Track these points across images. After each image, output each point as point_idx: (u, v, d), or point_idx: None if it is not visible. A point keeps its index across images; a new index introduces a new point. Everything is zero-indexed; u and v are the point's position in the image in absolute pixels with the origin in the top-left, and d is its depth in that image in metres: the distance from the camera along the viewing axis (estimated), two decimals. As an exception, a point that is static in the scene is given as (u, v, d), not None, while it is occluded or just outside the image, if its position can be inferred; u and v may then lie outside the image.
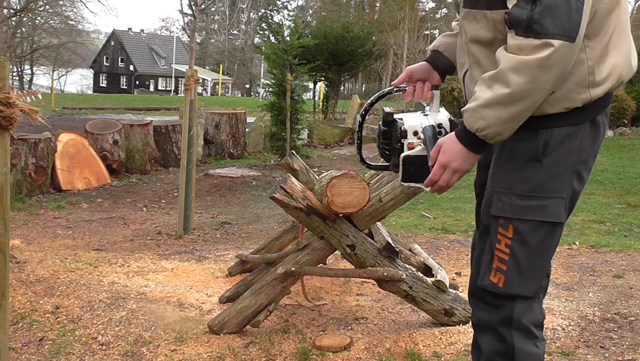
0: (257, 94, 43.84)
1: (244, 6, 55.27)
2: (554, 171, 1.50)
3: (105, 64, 56.02)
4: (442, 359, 2.41)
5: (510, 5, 1.40)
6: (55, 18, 37.66)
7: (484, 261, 1.61)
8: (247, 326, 2.68)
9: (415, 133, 1.63)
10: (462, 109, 1.50)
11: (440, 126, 1.64)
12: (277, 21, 45.33)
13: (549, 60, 1.36)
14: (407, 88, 1.80)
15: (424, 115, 1.69)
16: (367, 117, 1.79)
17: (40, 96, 20.67)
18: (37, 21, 36.76)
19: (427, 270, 2.98)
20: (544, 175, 1.51)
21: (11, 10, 31.86)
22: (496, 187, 1.57)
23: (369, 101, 1.81)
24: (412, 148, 1.62)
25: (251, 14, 55.62)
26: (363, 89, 30.90)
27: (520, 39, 1.38)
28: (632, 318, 2.80)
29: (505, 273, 1.54)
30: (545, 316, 1.66)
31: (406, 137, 1.64)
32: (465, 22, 1.59)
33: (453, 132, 1.54)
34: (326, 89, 18.15)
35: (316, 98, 18.61)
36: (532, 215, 1.51)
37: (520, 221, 1.52)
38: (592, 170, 1.62)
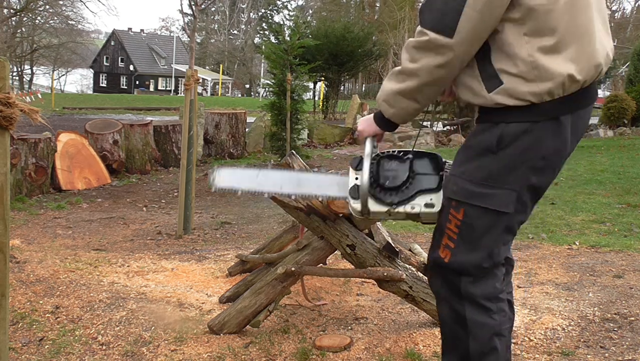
0: (257, 94, 43.84)
1: (244, 6, 55.26)
2: (507, 164, 1.61)
3: (105, 64, 56.02)
4: (442, 359, 2.41)
5: None
6: (55, 18, 37.68)
7: (436, 237, 1.76)
8: (247, 326, 2.68)
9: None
10: None
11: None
12: (277, 21, 45.31)
13: (424, 46, 1.57)
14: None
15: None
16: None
17: (40, 95, 20.66)
18: (37, 21, 36.77)
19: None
20: (497, 166, 1.62)
21: (11, 10, 31.87)
22: (454, 171, 1.71)
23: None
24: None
25: (251, 14, 55.63)
26: (363, 89, 30.89)
27: (417, 28, 1.61)
28: (632, 318, 2.80)
29: (452, 249, 1.70)
30: (503, 290, 1.76)
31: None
32: None
33: None
34: (326, 89, 18.15)
35: (316, 98, 18.62)
36: (480, 202, 1.64)
37: (470, 205, 1.65)
38: (560, 170, 1.71)
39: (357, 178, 1.88)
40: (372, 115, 1.81)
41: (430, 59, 1.58)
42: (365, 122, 1.83)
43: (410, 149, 1.87)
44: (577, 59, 1.56)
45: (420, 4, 1.61)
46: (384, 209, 1.84)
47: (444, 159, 1.87)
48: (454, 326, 1.72)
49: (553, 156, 1.62)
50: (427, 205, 1.82)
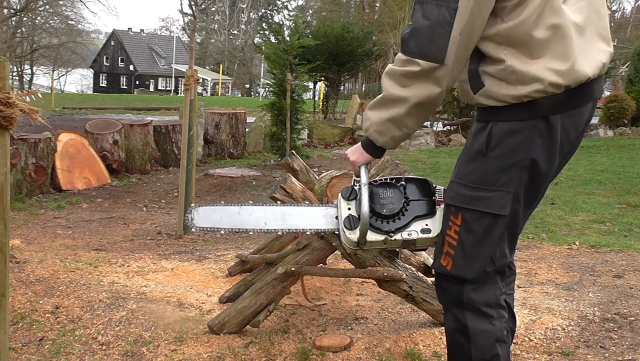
0: (257, 94, 43.82)
1: (244, 6, 55.26)
2: (498, 165, 1.60)
3: (105, 64, 56.03)
4: (442, 359, 2.41)
5: None
6: (55, 18, 37.68)
7: (437, 245, 1.75)
8: (247, 326, 2.68)
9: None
10: None
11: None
12: (277, 21, 45.32)
13: (418, 75, 1.56)
14: None
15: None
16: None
17: (40, 95, 20.68)
18: (37, 21, 36.76)
19: (427, 270, 2.98)
20: (489, 168, 1.61)
21: (11, 10, 31.87)
22: (453, 177, 1.71)
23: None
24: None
25: (251, 14, 55.63)
26: (363, 89, 30.89)
27: (400, 53, 1.60)
28: (632, 318, 2.80)
29: (453, 257, 1.69)
30: (503, 296, 1.75)
31: None
32: None
33: None
34: (326, 89, 18.15)
35: (316, 98, 18.61)
36: (476, 205, 1.63)
37: (467, 210, 1.64)
38: (560, 169, 1.70)
39: (349, 208, 1.87)
40: (359, 144, 1.80)
41: (421, 86, 1.58)
42: (356, 152, 1.80)
43: (401, 176, 1.89)
44: (557, 61, 1.54)
45: (404, 33, 1.59)
46: (381, 238, 1.83)
47: (434, 184, 1.88)
48: (456, 336, 1.73)
49: (545, 155, 1.60)
50: (423, 230, 1.83)
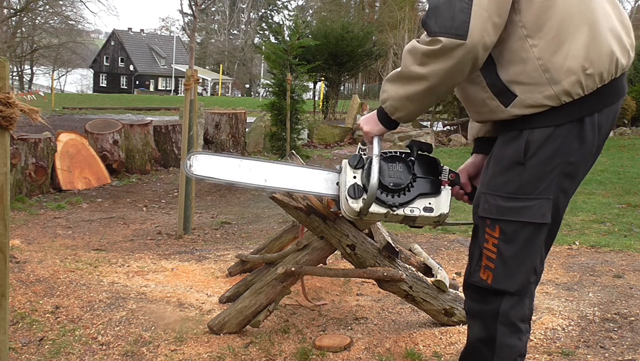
0: (257, 94, 43.81)
1: (244, 6, 55.26)
2: (537, 173, 1.56)
3: (105, 64, 56.01)
4: (442, 359, 2.41)
5: None
6: (55, 18, 37.67)
7: (474, 258, 1.69)
8: (247, 326, 2.68)
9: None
10: None
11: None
12: (277, 21, 45.34)
13: (438, 53, 1.51)
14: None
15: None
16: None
17: (42, 94, 20.64)
18: (37, 21, 36.75)
19: (427, 270, 2.98)
20: (528, 177, 1.57)
21: (11, 10, 31.86)
22: (483, 189, 1.65)
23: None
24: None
25: (251, 14, 55.62)
26: (363, 89, 30.89)
27: (423, 35, 1.56)
28: (632, 318, 2.80)
29: (493, 270, 1.63)
30: (533, 309, 1.73)
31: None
32: None
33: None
34: (326, 89, 18.15)
35: (316, 98, 18.61)
36: (516, 216, 1.59)
37: (505, 221, 1.60)
38: (589, 170, 1.66)
39: (355, 177, 1.83)
40: (374, 114, 1.75)
41: (441, 63, 1.52)
42: (371, 122, 1.75)
43: (412, 151, 1.83)
44: (583, 50, 1.51)
45: (423, 16, 1.55)
46: (383, 210, 1.80)
47: (442, 164, 1.85)
48: (480, 346, 1.70)
49: (580, 158, 1.57)
50: (426, 209, 1.79)
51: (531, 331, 2.63)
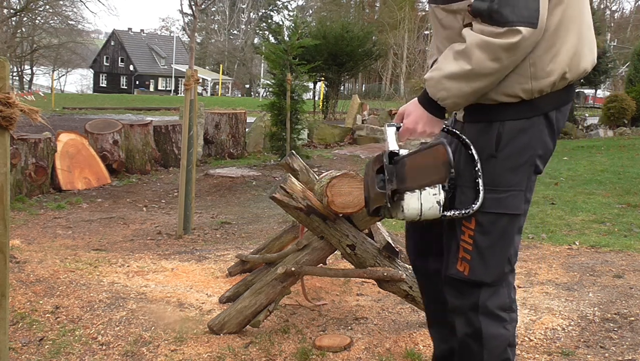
0: (257, 94, 43.81)
1: (244, 6, 55.28)
2: (510, 165, 1.59)
3: (105, 64, 56.00)
4: (442, 359, 2.41)
5: None
6: (55, 18, 37.66)
7: (451, 251, 1.70)
8: (247, 326, 2.68)
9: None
10: (425, 76, 1.61)
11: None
12: (277, 21, 45.36)
13: (517, 45, 1.45)
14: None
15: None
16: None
17: (42, 94, 20.64)
18: (37, 21, 36.76)
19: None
20: (501, 169, 1.59)
21: (11, 10, 31.87)
22: (459, 181, 1.66)
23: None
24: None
25: (251, 14, 55.64)
26: (363, 89, 30.90)
27: (485, 25, 1.46)
28: (632, 318, 2.80)
29: (470, 261, 1.65)
30: (515, 299, 1.74)
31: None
32: (431, 17, 1.68)
33: (415, 99, 1.65)
34: (326, 89, 18.16)
35: (316, 98, 18.62)
36: (491, 208, 1.60)
37: (481, 213, 1.61)
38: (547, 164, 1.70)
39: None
40: (423, 113, 1.61)
41: (517, 55, 1.47)
42: (426, 120, 1.62)
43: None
44: (569, 54, 1.55)
45: (475, 5, 1.46)
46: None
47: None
48: (468, 341, 1.70)
49: (547, 151, 1.63)
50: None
51: (531, 331, 2.64)
